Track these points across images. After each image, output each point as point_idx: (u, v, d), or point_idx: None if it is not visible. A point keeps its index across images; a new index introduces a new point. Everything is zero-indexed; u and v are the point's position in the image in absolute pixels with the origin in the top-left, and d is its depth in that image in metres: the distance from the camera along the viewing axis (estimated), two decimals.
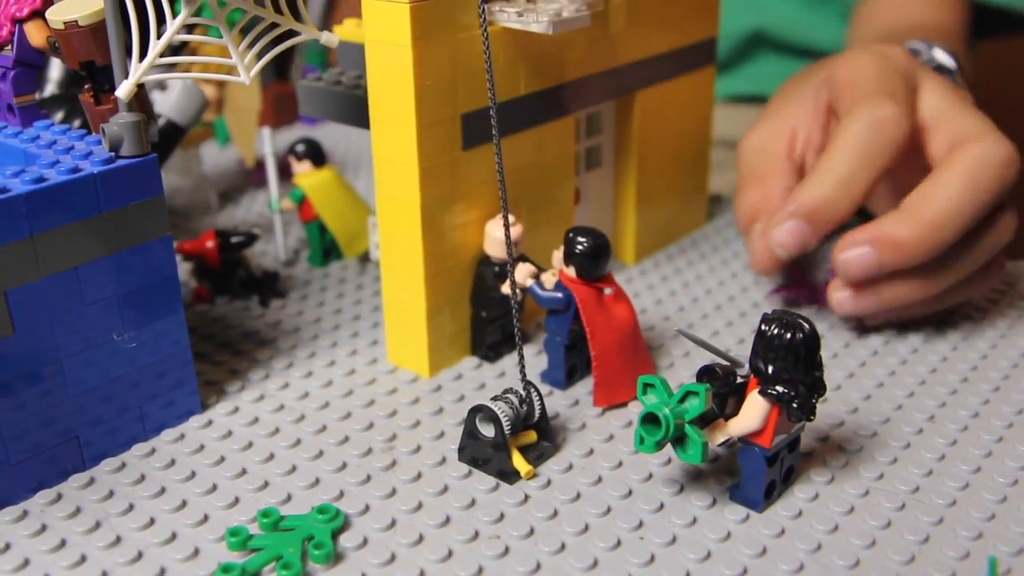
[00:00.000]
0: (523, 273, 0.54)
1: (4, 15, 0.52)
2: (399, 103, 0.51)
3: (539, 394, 0.49)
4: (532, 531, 0.45)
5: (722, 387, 0.45)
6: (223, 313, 0.64)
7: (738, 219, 0.65)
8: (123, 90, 0.46)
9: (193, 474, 0.49)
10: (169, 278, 0.50)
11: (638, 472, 0.48)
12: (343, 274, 0.69)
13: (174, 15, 0.47)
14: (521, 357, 0.50)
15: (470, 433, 0.49)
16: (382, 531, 0.45)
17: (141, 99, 0.51)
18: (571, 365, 0.55)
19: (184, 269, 0.68)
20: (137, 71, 0.47)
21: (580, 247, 0.53)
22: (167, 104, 0.67)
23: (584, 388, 0.55)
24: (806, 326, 0.44)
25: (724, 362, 0.47)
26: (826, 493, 0.47)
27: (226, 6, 0.48)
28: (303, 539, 0.43)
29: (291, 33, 0.50)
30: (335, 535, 0.44)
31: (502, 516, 0.46)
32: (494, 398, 0.49)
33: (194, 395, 0.53)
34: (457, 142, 0.54)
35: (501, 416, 0.47)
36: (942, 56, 0.71)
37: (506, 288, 0.55)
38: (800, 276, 0.64)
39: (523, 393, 0.49)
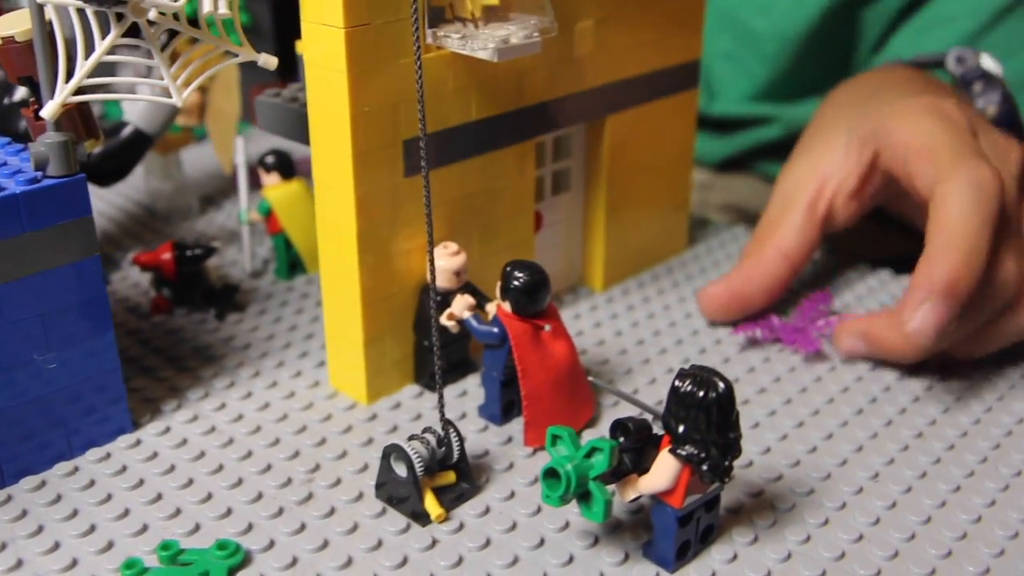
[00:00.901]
0: (460, 305, 0.53)
1: None
2: (336, 129, 0.50)
3: (458, 434, 0.48)
4: None
5: (634, 442, 0.43)
6: (179, 325, 0.64)
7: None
8: (48, 111, 0.46)
9: (108, 497, 0.48)
10: (97, 298, 0.50)
11: (555, 521, 0.47)
12: (307, 288, 0.69)
13: (103, 36, 0.46)
14: (440, 397, 0.48)
15: (387, 471, 0.48)
16: (281, 570, 0.44)
17: (85, 116, 0.51)
18: (508, 401, 0.54)
19: (145, 278, 0.68)
20: (63, 92, 0.46)
21: (516, 282, 0.51)
22: (134, 112, 0.66)
23: (520, 425, 0.54)
24: (721, 385, 0.42)
25: (645, 412, 0.45)
26: (745, 555, 0.45)
27: (158, 27, 0.47)
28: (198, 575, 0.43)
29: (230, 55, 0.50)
30: (231, 572, 0.44)
31: (405, 560, 0.45)
32: (411, 437, 0.48)
33: (125, 414, 0.53)
34: (399, 168, 0.53)
35: (413, 457, 0.46)
36: (989, 63, 0.68)
37: (444, 319, 0.54)
38: (763, 313, 0.62)
39: (441, 434, 0.48)
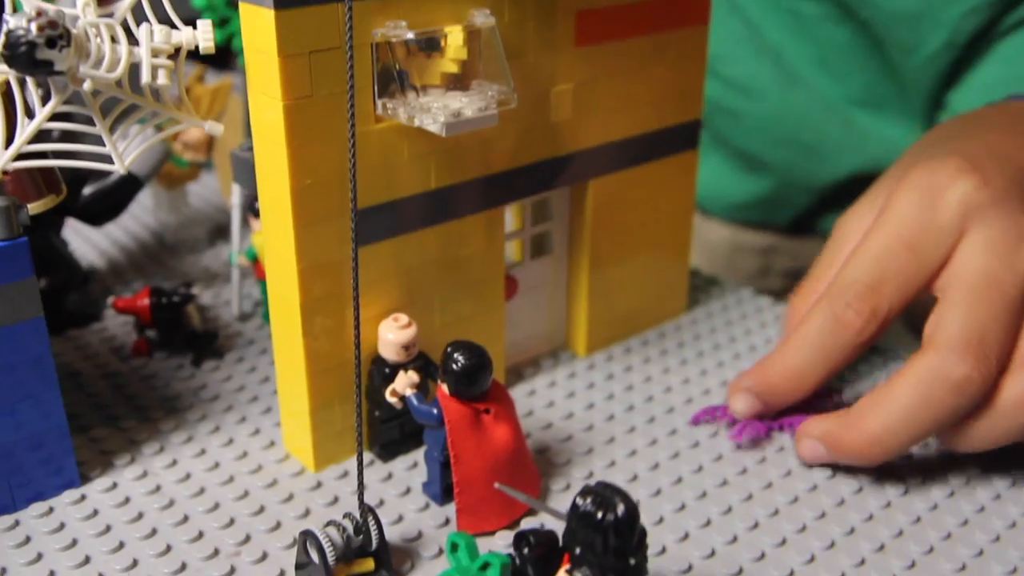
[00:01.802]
0: (402, 382, 0.52)
1: None
2: (279, 200, 0.50)
3: (377, 522, 0.47)
4: None
5: (536, 556, 0.42)
6: (155, 371, 0.65)
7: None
8: None
9: (39, 556, 0.49)
10: (39, 357, 0.51)
11: None
12: None
13: (43, 104, 0.47)
14: (360, 482, 0.47)
15: (303, 554, 0.47)
16: None
17: (44, 174, 0.52)
18: (449, 482, 0.53)
19: (128, 319, 0.69)
20: (3, 158, 0.47)
21: (454, 365, 0.50)
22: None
23: None
24: (621, 508, 0.40)
25: (558, 519, 0.43)
26: None
27: (100, 95, 0.47)
28: None
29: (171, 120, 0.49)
30: None
31: None
32: (328, 523, 0.47)
33: (72, 468, 0.54)
34: (347, 239, 0.52)
35: (325, 544, 0.46)
36: None
37: (387, 394, 0.53)
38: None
39: (359, 520, 0.47)
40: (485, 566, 0.41)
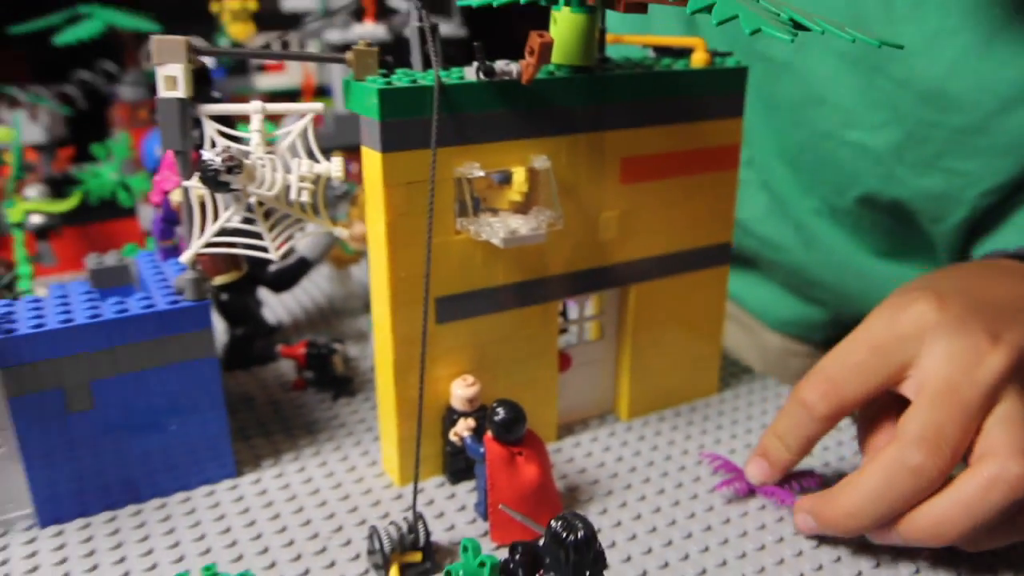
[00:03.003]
0: (462, 426, 0.60)
1: (159, 188, 0.65)
2: (382, 287, 0.59)
3: (425, 526, 0.54)
4: None
5: (521, 561, 0.48)
6: (305, 402, 0.75)
7: None
8: (184, 257, 0.58)
9: (197, 523, 0.59)
10: (211, 383, 0.61)
11: None
12: None
13: (225, 208, 0.58)
14: (415, 498, 0.55)
15: (371, 542, 0.55)
16: None
17: (226, 257, 0.63)
18: None
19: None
20: (194, 246, 0.58)
21: (496, 417, 0.57)
22: (303, 243, 0.79)
23: None
24: (580, 532, 0.45)
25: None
26: None
27: (264, 206, 0.58)
28: None
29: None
30: None
31: None
32: (390, 523, 0.54)
33: (230, 464, 0.64)
34: (431, 318, 0.60)
35: (384, 538, 0.53)
36: None
37: (451, 435, 0.60)
38: (733, 468, 0.63)
39: (412, 522, 0.54)
40: (482, 564, 0.47)
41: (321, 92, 1.24)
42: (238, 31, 1.15)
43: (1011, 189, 0.79)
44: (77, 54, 1.16)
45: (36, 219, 0.88)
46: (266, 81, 1.22)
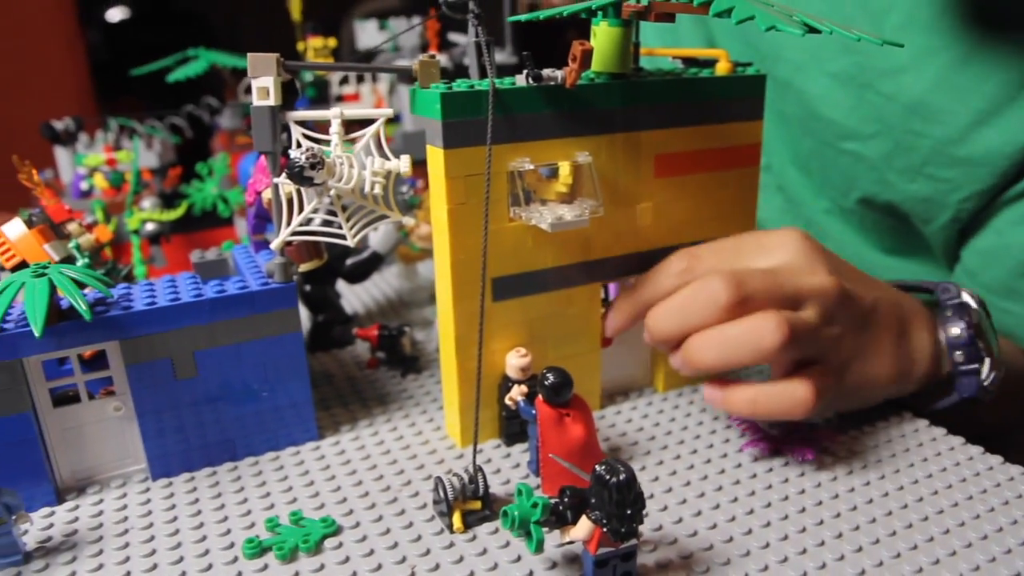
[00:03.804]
0: (516, 392, 0.60)
1: (252, 188, 0.67)
2: (444, 269, 0.59)
3: (484, 477, 0.55)
4: (438, 566, 0.50)
5: (569, 503, 0.47)
6: (378, 378, 0.75)
7: None
8: (275, 243, 0.59)
9: (285, 477, 0.60)
10: (298, 355, 0.62)
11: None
12: None
13: (309, 201, 0.59)
14: (475, 452, 0.55)
15: (436, 492, 0.55)
16: (355, 542, 0.53)
17: (309, 246, 0.63)
18: None
19: (367, 344, 0.80)
20: (283, 234, 0.59)
21: (546, 382, 0.57)
22: (375, 240, 0.80)
23: None
24: (623, 474, 0.45)
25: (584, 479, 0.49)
26: None
27: (341, 199, 0.59)
28: (303, 535, 0.53)
29: (384, 216, 0.60)
30: (324, 537, 0.53)
31: (428, 551, 0.52)
32: (453, 474, 0.55)
33: (313, 428, 0.65)
34: (488, 297, 0.60)
35: (448, 487, 0.54)
36: (967, 297, 0.66)
37: (507, 399, 0.60)
38: (758, 430, 0.62)
39: (472, 474, 0.54)
40: (535, 505, 0.47)
41: (391, 120, 1.26)
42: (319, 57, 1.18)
43: (990, 195, 0.77)
44: (184, 90, 1.20)
45: (150, 227, 0.91)
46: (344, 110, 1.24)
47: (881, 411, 0.67)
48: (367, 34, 1.27)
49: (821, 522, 0.54)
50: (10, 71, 2.13)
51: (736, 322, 0.56)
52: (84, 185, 1.03)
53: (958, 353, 0.64)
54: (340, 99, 1.21)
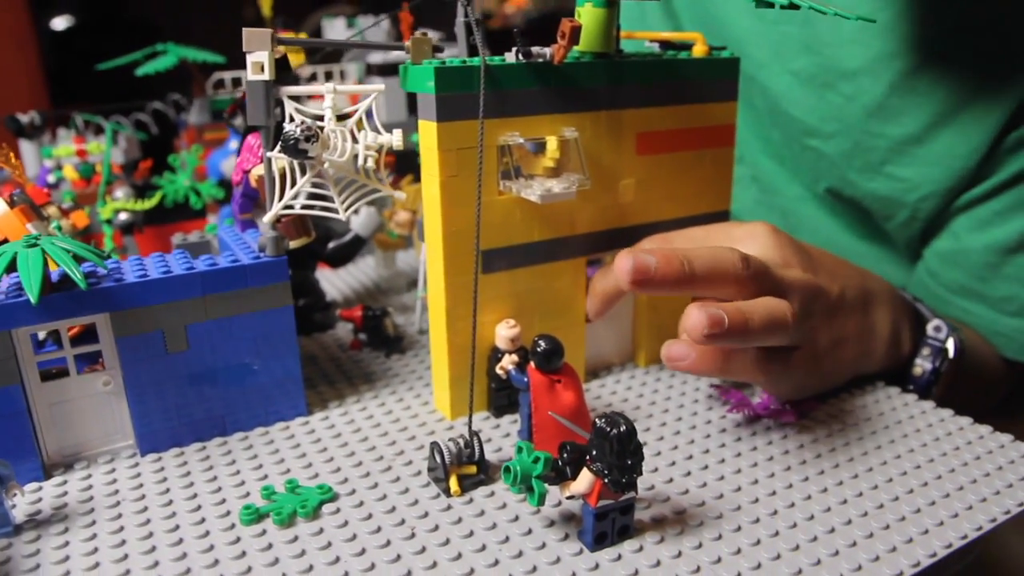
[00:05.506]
0: (507, 361, 0.60)
1: (240, 167, 0.67)
2: (436, 241, 0.60)
3: (480, 442, 0.55)
4: (437, 527, 0.51)
5: (570, 458, 0.48)
6: (361, 357, 0.75)
7: None
8: (267, 217, 0.59)
9: (277, 451, 0.60)
10: (287, 330, 0.62)
11: (531, 508, 0.52)
12: None
13: (302, 175, 0.59)
14: (470, 420, 0.56)
15: (432, 458, 0.56)
16: (352, 507, 0.53)
17: (299, 221, 0.64)
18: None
19: (348, 326, 0.80)
20: (275, 208, 0.59)
21: (538, 348, 0.58)
22: (357, 223, 0.80)
23: None
24: (622, 427, 0.46)
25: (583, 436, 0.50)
26: (649, 549, 0.49)
27: (333, 175, 0.59)
28: (300, 502, 0.53)
29: (375, 190, 0.61)
30: (321, 504, 0.53)
31: (426, 514, 0.52)
32: (449, 439, 0.55)
33: (302, 404, 0.64)
34: (479, 269, 0.61)
35: (444, 451, 0.54)
36: (950, 344, 0.70)
37: (498, 368, 0.61)
38: (741, 396, 0.64)
39: (468, 439, 0.55)
40: (536, 460, 0.48)
41: None
42: (292, 60, 1.18)
43: (946, 196, 0.81)
44: (150, 86, 1.18)
45: (123, 217, 0.90)
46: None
47: (857, 380, 0.70)
48: (335, 31, 1.27)
49: (806, 478, 0.56)
50: None
51: (755, 301, 0.56)
52: (51, 178, 1.01)
53: (912, 387, 0.70)
54: (310, 98, 1.21)
